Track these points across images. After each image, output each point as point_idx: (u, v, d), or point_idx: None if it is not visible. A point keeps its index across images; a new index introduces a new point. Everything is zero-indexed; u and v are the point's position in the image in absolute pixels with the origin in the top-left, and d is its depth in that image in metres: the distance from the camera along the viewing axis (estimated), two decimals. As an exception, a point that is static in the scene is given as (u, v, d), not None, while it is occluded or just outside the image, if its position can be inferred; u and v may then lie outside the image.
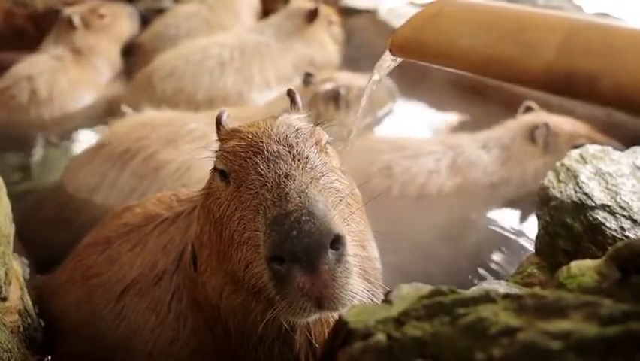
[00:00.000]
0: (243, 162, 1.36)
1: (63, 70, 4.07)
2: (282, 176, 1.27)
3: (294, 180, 1.25)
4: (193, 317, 1.65)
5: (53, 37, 4.38)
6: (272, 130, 1.41)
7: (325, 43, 4.41)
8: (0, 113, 3.87)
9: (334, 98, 3.31)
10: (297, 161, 1.32)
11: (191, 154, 2.70)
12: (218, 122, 1.60)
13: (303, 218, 1.14)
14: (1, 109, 3.88)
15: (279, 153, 1.34)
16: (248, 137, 1.41)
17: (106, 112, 3.92)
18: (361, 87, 3.24)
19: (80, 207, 2.84)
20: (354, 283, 1.21)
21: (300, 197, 1.20)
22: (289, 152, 1.34)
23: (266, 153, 1.34)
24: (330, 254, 1.15)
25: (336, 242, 1.16)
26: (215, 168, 1.48)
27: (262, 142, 1.37)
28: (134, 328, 1.75)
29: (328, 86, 3.36)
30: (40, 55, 4.21)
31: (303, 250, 1.12)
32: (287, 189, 1.22)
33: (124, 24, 4.62)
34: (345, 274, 1.18)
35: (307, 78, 3.45)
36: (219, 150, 1.48)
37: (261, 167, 1.31)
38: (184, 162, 2.77)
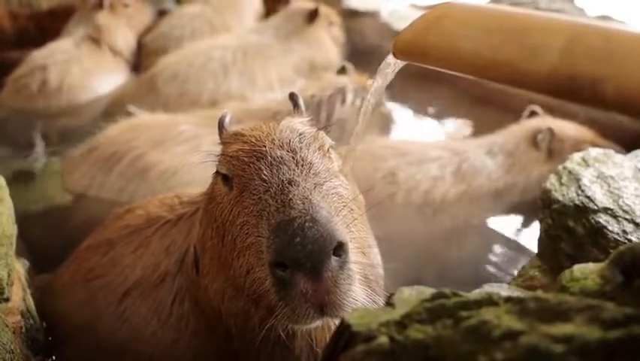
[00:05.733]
0: (246, 167, 1.36)
1: (77, 60, 4.13)
2: (286, 182, 1.27)
3: (298, 186, 1.25)
4: (195, 319, 1.65)
5: (77, 18, 4.53)
6: (275, 134, 1.41)
7: (326, 43, 4.37)
8: (11, 101, 3.91)
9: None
10: (300, 166, 1.32)
11: (180, 157, 2.69)
12: (221, 125, 1.60)
13: (307, 225, 1.15)
14: (13, 97, 3.93)
15: (282, 158, 1.33)
16: (251, 141, 1.41)
17: (113, 108, 3.90)
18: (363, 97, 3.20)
19: (72, 209, 2.86)
20: (357, 290, 1.21)
21: (304, 203, 1.20)
22: (292, 157, 1.34)
23: (269, 158, 1.34)
24: (334, 261, 1.15)
25: (339, 249, 1.16)
26: (217, 172, 1.48)
27: (265, 147, 1.37)
28: (136, 330, 1.75)
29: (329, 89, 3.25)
30: (59, 42, 4.28)
31: (306, 256, 1.12)
32: (290, 195, 1.23)
33: (144, 18, 4.86)
34: (348, 281, 1.18)
35: (341, 71, 3.42)
36: (222, 154, 1.48)
37: (265, 172, 1.31)
38: (172, 165, 2.74)
